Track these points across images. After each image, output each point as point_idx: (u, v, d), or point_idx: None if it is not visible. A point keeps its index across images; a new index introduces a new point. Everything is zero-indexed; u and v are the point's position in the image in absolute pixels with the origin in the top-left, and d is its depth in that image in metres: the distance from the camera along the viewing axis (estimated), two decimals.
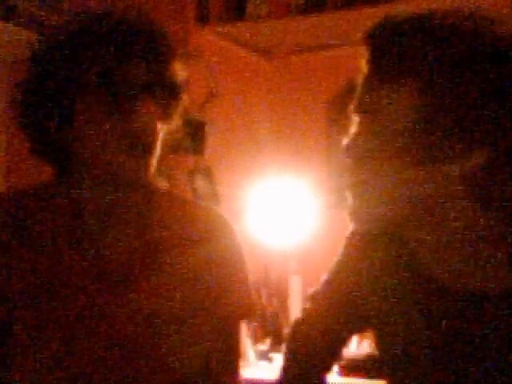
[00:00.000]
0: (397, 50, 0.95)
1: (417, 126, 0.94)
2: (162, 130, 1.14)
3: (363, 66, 1.00)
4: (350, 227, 1.17)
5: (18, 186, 1.23)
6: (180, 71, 1.16)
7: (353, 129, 1.01)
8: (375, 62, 0.98)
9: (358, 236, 1.14)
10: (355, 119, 1.01)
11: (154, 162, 1.13)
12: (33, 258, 1.12)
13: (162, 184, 1.23)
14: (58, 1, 2.63)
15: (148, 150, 1.11)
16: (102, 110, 1.08)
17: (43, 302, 1.11)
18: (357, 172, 1.00)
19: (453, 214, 0.98)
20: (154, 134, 1.11)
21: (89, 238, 1.14)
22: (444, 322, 1.02)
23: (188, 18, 2.52)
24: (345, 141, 1.01)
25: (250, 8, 2.52)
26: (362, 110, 1.00)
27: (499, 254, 0.99)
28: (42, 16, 2.57)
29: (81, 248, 1.13)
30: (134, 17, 1.14)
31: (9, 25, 2.44)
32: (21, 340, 1.11)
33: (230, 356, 1.24)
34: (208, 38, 2.57)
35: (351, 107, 1.02)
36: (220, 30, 2.56)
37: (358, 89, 1.01)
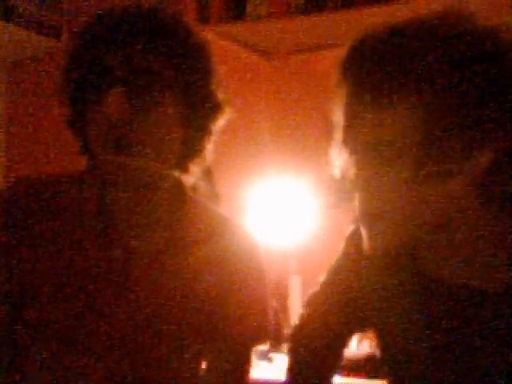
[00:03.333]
0: (383, 68, 0.94)
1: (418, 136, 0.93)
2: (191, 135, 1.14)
3: (338, 102, 0.97)
4: (350, 227, 1.17)
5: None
6: (218, 86, 1.16)
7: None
8: (363, 87, 0.95)
9: (357, 236, 1.14)
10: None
11: (171, 163, 1.12)
12: (32, 257, 1.11)
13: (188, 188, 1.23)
14: (58, 1, 2.63)
15: (163, 151, 1.10)
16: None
17: (45, 302, 1.10)
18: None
19: (453, 214, 0.98)
20: (168, 136, 1.10)
21: (94, 240, 1.12)
22: (444, 322, 1.02)
23: (188, 18, 2.51)
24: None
25: (249, 8, 2.52)
26: (357, 147, 0.97)
27: (499, 254, 0.99)
28: (42, 16, 2.57)
29: (85, 248, 1.12)
30: (167, 15, 1.14)
31: (9, 25, 2.44)
32: (21, 339, 1.11)
33: (238, 361, 1.24)
34: (208, 38, 2.56)
35: (342, 147, 0.98)
36: (220, 29, 2.55)
37: (342, 125, 0.98)
